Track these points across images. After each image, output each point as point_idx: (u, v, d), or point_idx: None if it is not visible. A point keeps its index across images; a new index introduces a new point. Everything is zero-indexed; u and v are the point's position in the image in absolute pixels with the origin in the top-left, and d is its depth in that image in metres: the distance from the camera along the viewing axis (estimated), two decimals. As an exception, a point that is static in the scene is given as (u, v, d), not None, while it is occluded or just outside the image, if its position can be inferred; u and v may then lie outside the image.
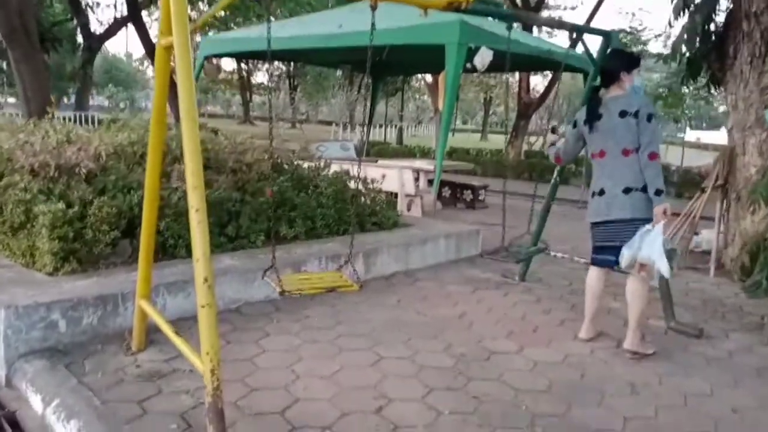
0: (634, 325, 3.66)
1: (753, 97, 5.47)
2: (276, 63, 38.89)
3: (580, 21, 16.14)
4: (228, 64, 49.14)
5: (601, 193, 3.62)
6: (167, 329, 2.84)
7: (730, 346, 3.95)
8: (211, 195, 4.52)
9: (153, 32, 29.40)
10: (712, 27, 5.96)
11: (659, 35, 28.91)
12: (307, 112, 50.13)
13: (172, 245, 4.29)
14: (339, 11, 9.30)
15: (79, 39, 25.34)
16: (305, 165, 6.10)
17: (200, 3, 25.49)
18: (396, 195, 8.32)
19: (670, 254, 3.40)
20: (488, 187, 9.95)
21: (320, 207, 5.31)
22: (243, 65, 45.04)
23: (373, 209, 5.83)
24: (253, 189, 5.07)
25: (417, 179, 9.13)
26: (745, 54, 5.44)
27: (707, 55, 5.83)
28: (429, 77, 19.65)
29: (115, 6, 26.64)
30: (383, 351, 3.53)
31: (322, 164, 6.12)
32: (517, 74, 16.04)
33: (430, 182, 9.20)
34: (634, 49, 19.94)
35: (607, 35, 4.36)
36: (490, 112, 46.35)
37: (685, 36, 5.61)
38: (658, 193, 3.41)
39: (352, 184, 5.99)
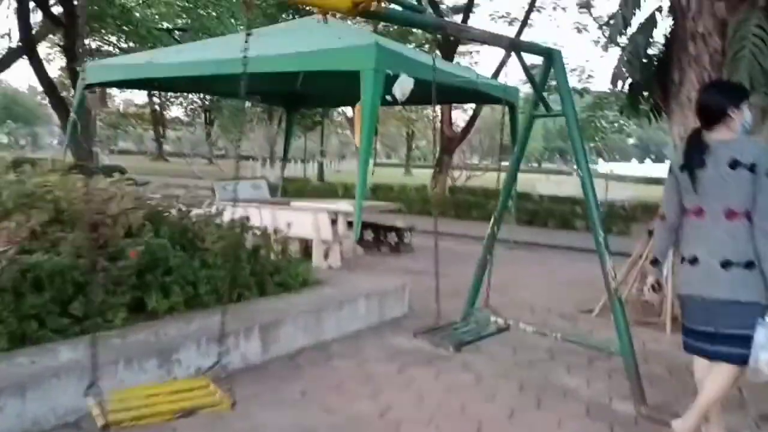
0: (698, 412, 2.82)
1: (703, 129, 4.89)
2: (190, 96, 37.45)
3: (497, 57, 16.05)
4: (139, 98, 47.04)
5: (693, 261, 2.79)
6: None
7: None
8: (44, 263, 3.37)
9: (49, 66, 27.42)
10: (650, 51, 5.41)
11: (574, 69, 29.68)
12: (225, 147, 48.45)
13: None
14: (243, 34, 8.34)
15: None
16: (194, 212, 5.02)
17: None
18: (311, 242, 7.31)
19: None
20: (414, 228, 9.10)
21: (205, 268, 4.22)
22: (155, 98, 43.09)
23: (277, 266, 4.79)
24: (115, 250, 3.94)
25: (335, 222, 8.16)
26: (693, 80, 4.87)
27: (648, 82, 5.25)
28: (349, 111, 18.96)
29: (9, 36, 24.54)
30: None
31: (213, 210, 5.04)
32: (438, 108, 15.53)
33: (351, 224, 8.28)
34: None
35: (548, 54, 3.60)
36: (413, 146, 46.30)
37: (627, 61, 5.00)
38: None
39: (251, 236, 4.97)
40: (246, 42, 2.43)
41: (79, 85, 8.32)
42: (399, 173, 40.18)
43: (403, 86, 5.77)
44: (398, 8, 2.81)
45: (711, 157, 2.74)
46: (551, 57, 3.55)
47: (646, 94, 5.48)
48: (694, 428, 2.85)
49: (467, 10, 16.51)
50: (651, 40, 5.25)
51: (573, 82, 15.30)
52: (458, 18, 21.46)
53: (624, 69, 5.02)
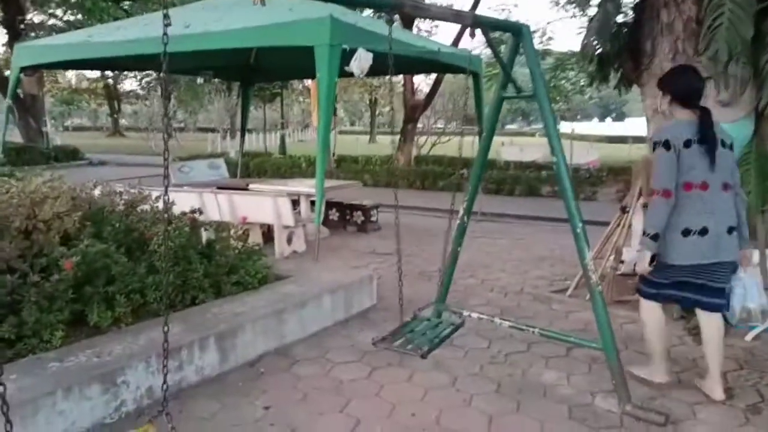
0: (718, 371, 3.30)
1: (677, 101, 4.68)
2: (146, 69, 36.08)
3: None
4: (91, 72, 45.11)
5: (703, 232, 3.10)
6: None
7: (704, 434, 3.01)
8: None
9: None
10: (620, 19, 5.14)
11: (535, 31, 29.36)
12: (185, 121, 47.04)
13: None
14: (189, 8, 7.77)
15: None
16: (140, 208, 4.63)
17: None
18: (272, 228, 6.98)
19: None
20: (380, 206, 8.82)
21: (153, 273, 3.87)
22: (108, 72, 41.42)
23: (233, 264, 4.46)
24: (49, 260, 3.56)
25: (297, 203, 7.82)
26: (666, 50, 4.63)
27: (620, 52, 4.99)
28: (309, 81, 18.35)
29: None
30: None
31: (161, 204, 4.64)
32: (401, 76, 15.12)
33: (314, 204, 7.92)
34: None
35: (517, 30, 3.30)
36: (377, 113, 45.64)
37: (596, 30, 4.73)
38: (747, 238, 3.28)
39: (204, 232, 4.62)
40: (166, 22, 2.06)
41: (13, 68, 7.69)
42: (364, 140, 39.66)
43: (362, 62, 5.41)
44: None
45: (715, 134, 3.11)
46: (520, 33, 3.24)
47: (615, 65, 5.23)
48: (719, 379, 3.29)
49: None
50: (620, 7, 4.98)
51: (534, 43, 15.01)
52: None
53: (593, 39, 4.76)
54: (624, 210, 5.24)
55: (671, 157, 3.03)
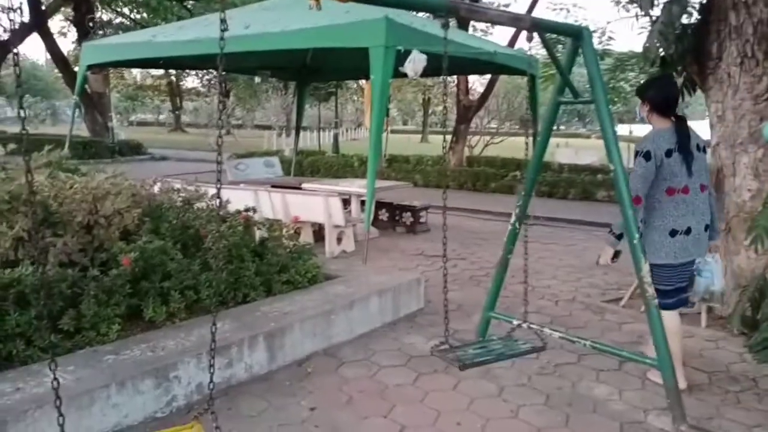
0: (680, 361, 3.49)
1: (745, 107, 4.46)
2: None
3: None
4: (155, 70, 46.63)
5: (688, 231, 3.39)
6: None
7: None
8: (25, 277, 3.13)
9: (61, 40, 27.08)
10: (684, 20, 4.94)
11: (594, 31, 28.57)
12: (243, 118, 48.10)
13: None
14: (248, 9, 7.93)
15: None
16: (197, 206, 4.76)
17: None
18: (323, 227, 7.04)
19: None
20: (429, 207, 8.78)
21: (206, 270, 3.96)
22: (171, 70, 42.74)
23: (284, 263, 4.52)
24: (109, 255, 3.70)
25: (348, 203, 7.88)
26: (734, 53, 4.42)
27: (683, 55, 4.79)
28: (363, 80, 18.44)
29: (21, 11, 24.23)
30: None
31: (217, 201, 4.75)
32: (454, 76, 14.99)
33: (365, 204, 7.95)
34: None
35: (577, 34, 3.21)
36: (429, 112, 45.47)
37: (659, 32, 4.55)
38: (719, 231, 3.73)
39: (257, 231, 4.71)
40: (223, 24, 2.08)
41: (80, 67, 8.02)
42: (416, 139, 39.62)
43: (416, 64, 5.39)
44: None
45: (691, 142, 3.38)
46: (581, 37, 3.16)
47: (679, 68, 5.03)
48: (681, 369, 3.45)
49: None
50: (685, 9, 4.78)
51: (593, 47, 14.51)
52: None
53: (656, 42, 4.58)
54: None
55: (649, 167, 3.28)
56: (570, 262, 6.96)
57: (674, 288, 3.47)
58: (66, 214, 3.83)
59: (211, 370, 2.31)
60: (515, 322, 3.66)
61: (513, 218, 3.79)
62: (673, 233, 3.36)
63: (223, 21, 2.13)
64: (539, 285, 5.92)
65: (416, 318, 4.76)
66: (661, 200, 3.35)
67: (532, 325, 3.61)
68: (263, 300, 4.23)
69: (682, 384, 3.38)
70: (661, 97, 3.42)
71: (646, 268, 3.11)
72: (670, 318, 3.41)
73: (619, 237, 3.40)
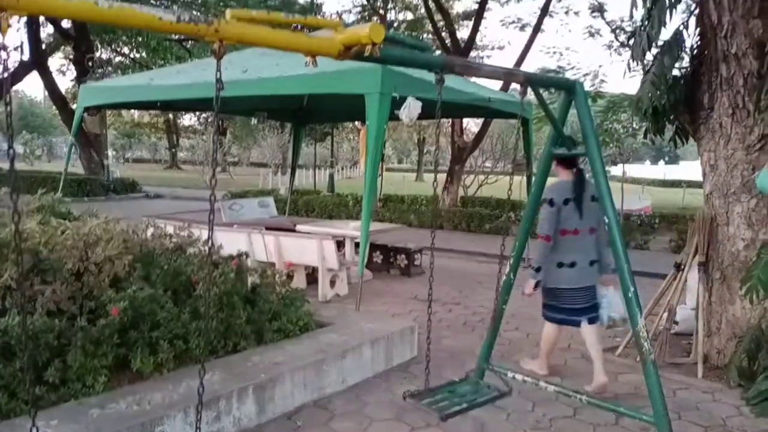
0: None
1: (737, 156, 4.50)
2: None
3: (509, 63, 15.56)
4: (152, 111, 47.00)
5: (573, 265, 4.16)
6: None
7: None
8: (11, 327, 3.07)
9: (60, 79, 27.41)
10: (676, 71, 5.01)
11: (587, 74, 29.05)
12: (239, 155, 48.36)
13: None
14: (246, 53, 8.02)
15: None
16: (191, 250, 4.72)
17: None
18: (316, 270, 6.99)
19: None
20: (424, 249, 8.75)
21: (196, 318, 3.90)
22: (168, 111, 43.09)
23: (276, 311, 4.46)
24: (98, 303, 3.64)
25: (342, 245, 7.84)
26: (725, 104, 4.48)
27: (675, 105, 4.85)
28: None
29: (21, 49, 24.54)
30: None
31: (208, 246, 4.71)
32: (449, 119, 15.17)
33: (359, 245, 7.93)
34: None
35: (571, 88, 3.25)
36: (425, 151, 45.88)
37: (651, 83, 4.62)
38: (611, 265, 3.98)
39: (249, 276, 4.65)
40: (217, 71, 2.09)
41: (77, 108, 8.07)
42: (411, 178, 39.83)
43: (411, 110, 5.45)
44: (398, 48, 2.48)
45: (585, 192, 4.10)
46: (574, 91, 3.19)
47: (671, 117, 5.08)
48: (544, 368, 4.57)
49: (478, 16, 16.12)
50: (677, 60, 4.86)
51: (586, 86, 14.71)
52: (468, 24, 21.13)
53: (648, 92, 4.65)
54: (679, 267, 5.03)
55: (553, 212, 4.10)
56: (565, 308, 6.89)
57: (566, 308, 4.28)
58: (56, 261, 3.78)
59: (198, 425, 2.25)
60: (509, 375, 3.60)
61: (507, 267, 3.76)
62: (560, 265, 4.16)
63: (218, 80, 2.14)
64: (534, 331, 5.84)
65: (409, 367, 4.68)
66: (556, 239, 4.12)
67: (527, 379, 3.55)
68: (254, 349, 4.16)
69: (545, 371, 4.51)
70: (566, 155, 3.94)
71: (642, 322, 3.08)
72: (551, 328, 4.45)
73: (537, 270, 4.20)
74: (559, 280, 4.19)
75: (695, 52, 4.90)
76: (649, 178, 40.08)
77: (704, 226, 4.81)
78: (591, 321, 4.30)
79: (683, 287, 5.06)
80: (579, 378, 4.56)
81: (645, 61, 5.16)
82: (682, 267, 4.98)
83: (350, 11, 23.01)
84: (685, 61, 5.04)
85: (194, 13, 2.06)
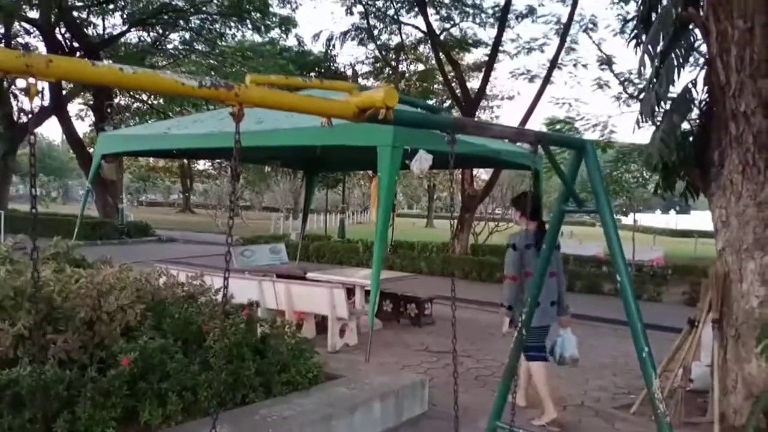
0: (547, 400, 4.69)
1: (749, 213, 4.50)
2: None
3: (518, 113, 15.78)
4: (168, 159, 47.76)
5: (536, 305, 4.20)
6: None
7: None
8: (23, 378, 3.07)
9: (78, 124, 28.02)
10: (684, 127, 5.07)
11: (597, 125, 29.29)
12: (251, 200, 48.79)
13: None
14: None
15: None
16: (202, 299, 4.74)
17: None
18: (326, 318, 6.97)
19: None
20: (435, 299, 8.71)
21: (206, 370, 3.89)
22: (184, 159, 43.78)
23: (286, 362, 4.43)
24: (108, 354, 3.64)
25: (352, 293, 7.84)
26: (736, 161, 4.51)
27: (685, 161, 4.89)
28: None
29: (42, 94, 25.15)
30: None
31: (220, 296, 4.73)
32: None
33: (369, 293, 7.91)
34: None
35: (581, 146, 3.29)
36: (435, 197, 46.11)
37: (661, 139, 4.67)
38: (568, 307, 4.88)
39: (259, 327, 4.65)
40: (237, 137, 2.12)
41: (95, 155, 8.25)
42: (421, 224, 39.90)
43: (422, 163, 5.50)
44: (411, 110, 2.55)
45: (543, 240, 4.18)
46: (584, 150, 3.23)
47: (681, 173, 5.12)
48: (553, 412, 4.71)
49: (488, 68, 16.44)
50: (686, 117, 4.92)
51: (595, 136, 14.77)
52: (478, 75, 21.52)
53: (658, 149, 4.69)
54: (693, 323, 4.97)
55: (516, 255, 4.65)
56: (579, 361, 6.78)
57: (539, 346, 4.69)
58: (69, 310, 3.82)
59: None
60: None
61: (519, 323, 3.73)
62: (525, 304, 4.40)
63: (237, 142, 2.18)
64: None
65: (420, 423, 4.61)
66: (523, 281, 4.53)
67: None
68: (262, 402, 4.12)
69: (555, 413, 4.68)
70: (531, 208, 4.58)
71: (656, 384, 3.03)
72: (540, 367, 4.74)
73: (509, 308, 4.68)
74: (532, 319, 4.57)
75: (704, 108, 4.96)
76: (660, 227, 39.83)
77: (717, 283, 4.78)
78: (537, 359, 4.73)
79: (698, 344, 4.98)
80: (592, 437, 4.47)
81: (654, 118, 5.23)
82: (696, 323, 4.92)
83: (363, 62, 23.57)
84: (695, 113, 5.10)
85: (215, 77, 2.13)
